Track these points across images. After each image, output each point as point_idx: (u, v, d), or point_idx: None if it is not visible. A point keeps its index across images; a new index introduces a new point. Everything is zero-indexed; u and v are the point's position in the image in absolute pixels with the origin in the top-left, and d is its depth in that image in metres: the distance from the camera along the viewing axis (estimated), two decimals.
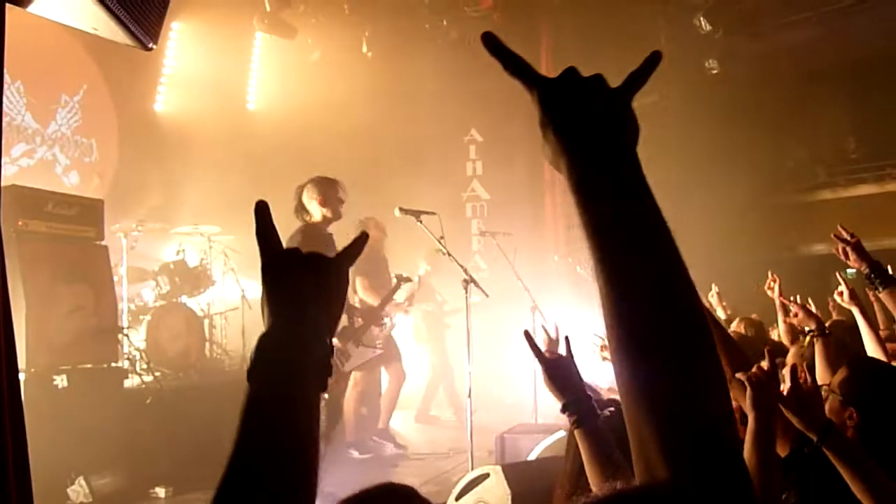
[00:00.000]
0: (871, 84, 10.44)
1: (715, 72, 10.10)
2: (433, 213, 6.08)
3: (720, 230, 8.91)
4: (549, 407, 6.09)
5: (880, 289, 3.63)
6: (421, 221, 5.96)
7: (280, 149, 9.27)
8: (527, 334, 2.50)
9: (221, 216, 8.36)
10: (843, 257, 3.66)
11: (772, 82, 10.05)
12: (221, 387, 6.85)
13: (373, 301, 6.44)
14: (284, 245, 1.12)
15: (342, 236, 5.53)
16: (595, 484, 2.07)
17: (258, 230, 1.11)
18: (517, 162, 10.04)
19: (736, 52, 9.93)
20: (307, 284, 1.09)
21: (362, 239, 1.18)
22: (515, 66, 0.99)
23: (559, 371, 2.32)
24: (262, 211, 1.12)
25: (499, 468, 4.81)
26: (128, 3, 2.10)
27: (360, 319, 6.08)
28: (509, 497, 4.55)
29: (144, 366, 6.70)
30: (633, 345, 0.87)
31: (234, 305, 8.28)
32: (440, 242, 5.86)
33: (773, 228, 10.27)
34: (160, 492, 5.82)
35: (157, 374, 6.58)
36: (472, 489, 4.89)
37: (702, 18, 9.46)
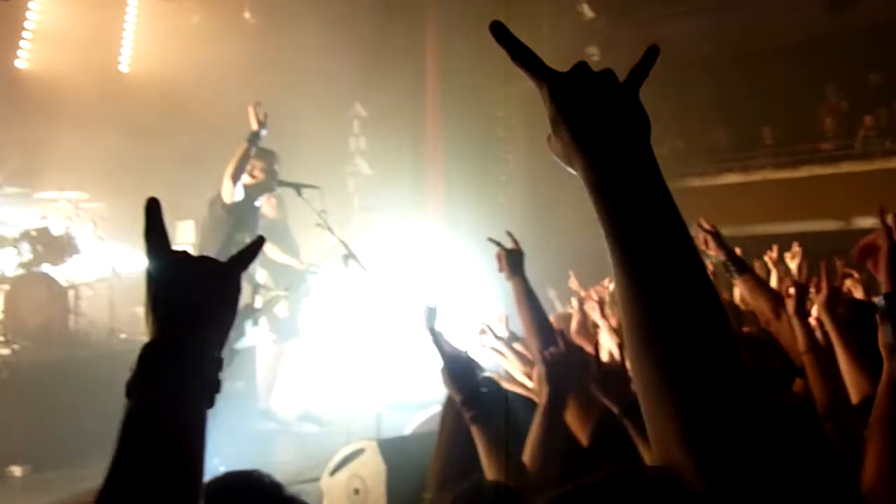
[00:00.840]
0: (742, 77, 10.96)
1: (596, 59, 10.33)
2: (315, 187, 5.98)
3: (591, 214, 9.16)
4: (426, 382, 6.15)
5: (736, 276, 3.89)
6: (301, 194, 5.86)
7: (154, 114, 8.88)
8: (432, 331, 2.57)
9: (90, 182, 8.00)
10: (703, 246, 3.86)
11: (652, 71, 10.37)
12: (87, 360, 6.59)
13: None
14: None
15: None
16: (492, 476, 2.11)
17: (147, 230, 1.03)
18: (402, 138, 10.04)
19: (617, 40, 10.18)
20: (198, 292, 1.02)
21: (258, 244, 1.12)
22: (524, 58, 0.96)
23: (458, 366, 2.34)
24: (152, 209, 1.04)
25: (374, 443, 4.81)
26: None
27: (261, 296, 5.95)
28: (384, 471, 4.57)
29: (2, 338, 6.36)
30: (660, 339, 0.88)
31: (103, 276, 7.93)
32: (321, 216, 5.78)
33: None
34: (16, 470, 5.55)
35: (16, 346, 6.26)
36: (347, 464, 4.88)
37: (585, 5, 9.65)
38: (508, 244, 3.11)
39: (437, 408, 4.69)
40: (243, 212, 5.75)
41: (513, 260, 3.09)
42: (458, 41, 9.63)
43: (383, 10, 9.70)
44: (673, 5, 10.18)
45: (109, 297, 7.78)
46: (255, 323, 5.81)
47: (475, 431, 2.17)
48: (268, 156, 5.89)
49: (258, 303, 5.84)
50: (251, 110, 5.65)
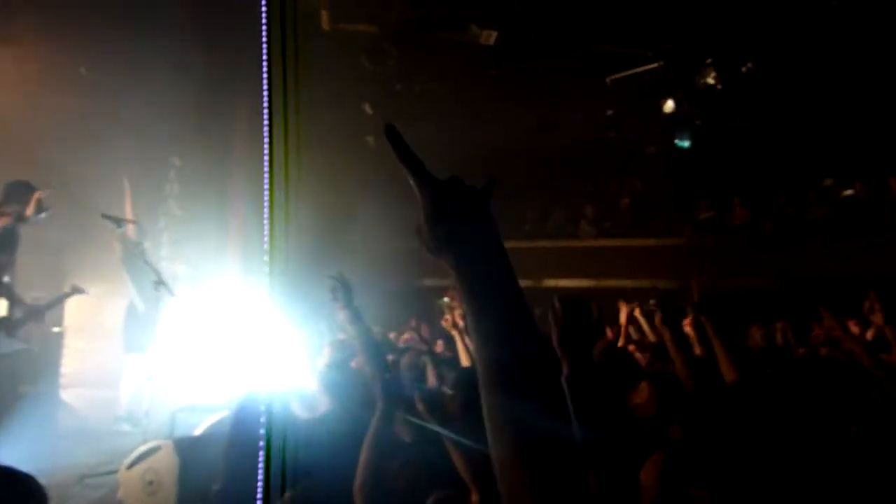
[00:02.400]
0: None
1: (371, 146, 10.48)
2: (133, 222, 5.56)
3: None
4: (217, 387, 5.84)
5: None
6: (120, 227, 5.41)
7: None
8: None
9: None
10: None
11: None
12: None
13: None
14: None
15: None
16: None
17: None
18: (211, 186, 9.61)
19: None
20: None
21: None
22: (411, 161, 0.98)
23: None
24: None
25: (170, 441, 4.49)
26: None
27: (17, 311, 5.27)
28: (177, 466, 4.27)
29: None
30: (502, 388, 0.90)
31: None
32: (137, 248, 5.37)
33: (397, 265, 10.75)
34: None
35: None
36: (144, 459, 4.50)
37: (367, 104, 9.76)
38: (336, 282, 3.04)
39: (226, 412, 4.48)
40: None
41: (346, 292, 3.04)
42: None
43: (205, 80, 9.27)
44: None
45: None
46: (9, 334, 5.20)
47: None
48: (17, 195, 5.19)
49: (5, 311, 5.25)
50: (35, 196, 5.09)
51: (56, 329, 7.32)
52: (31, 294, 5.76)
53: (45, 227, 7.35)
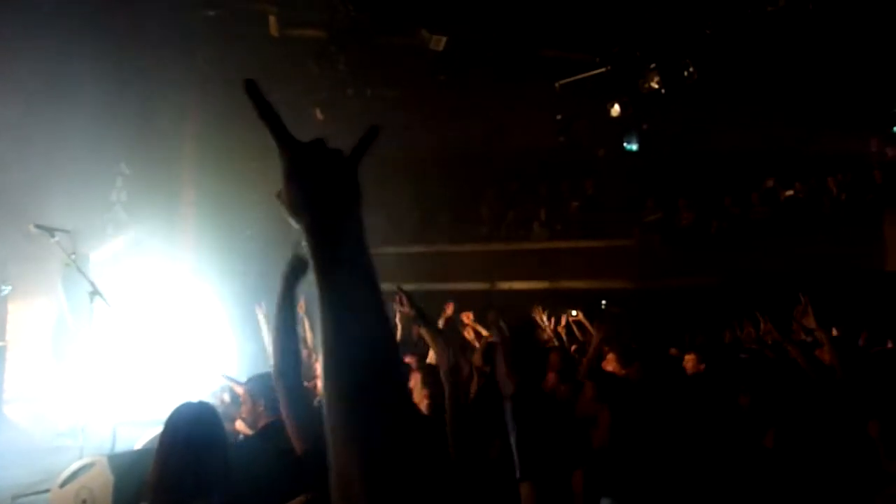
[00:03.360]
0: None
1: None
2: (66, 231, 5.33)
3: None
4: (157, 401, 5.64)
5: (421, 325, 3.99)
6: (53, 237, 5.18)
7: None
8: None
9: None
10: (397, 304, 3.89)
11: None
12: None
13: None
14: None
15: None
16: None
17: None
18: (159, 192, 9.39)
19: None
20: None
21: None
22: (272, 119, 0.89)
23: None
24: (254, 90, 0.89)
25: (104, 458, 4.31)
26: None
27: None
28: (111, 483, 4.09)
29: None
30: (342, 398, 0.80)
31: None
32: (70, 258, 5.14)
33: None
34: None
35: None
36: (77, 476, 4.31)
37: (317, 109, 9.63)
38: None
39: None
40: None
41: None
42: (216, 119, 9.26)
43: (155, 88, 9.04)
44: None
45: None
46: None
47: None
48: None
49: None
50: None
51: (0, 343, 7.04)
52: None
53: None
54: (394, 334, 0.89)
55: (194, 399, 2.50)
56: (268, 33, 8.25)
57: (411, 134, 9.90)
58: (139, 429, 5.18)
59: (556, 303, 7.33)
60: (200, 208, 10.20)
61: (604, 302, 10.28)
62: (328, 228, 0.87)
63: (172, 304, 7.24)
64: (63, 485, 4.30)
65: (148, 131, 9.27)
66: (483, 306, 7.97)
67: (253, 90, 0.90)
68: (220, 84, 9.16)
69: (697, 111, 9.98)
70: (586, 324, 5.99)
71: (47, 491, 4.51)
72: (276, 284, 2.21)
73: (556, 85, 9.39)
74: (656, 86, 8.45)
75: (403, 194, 11.58)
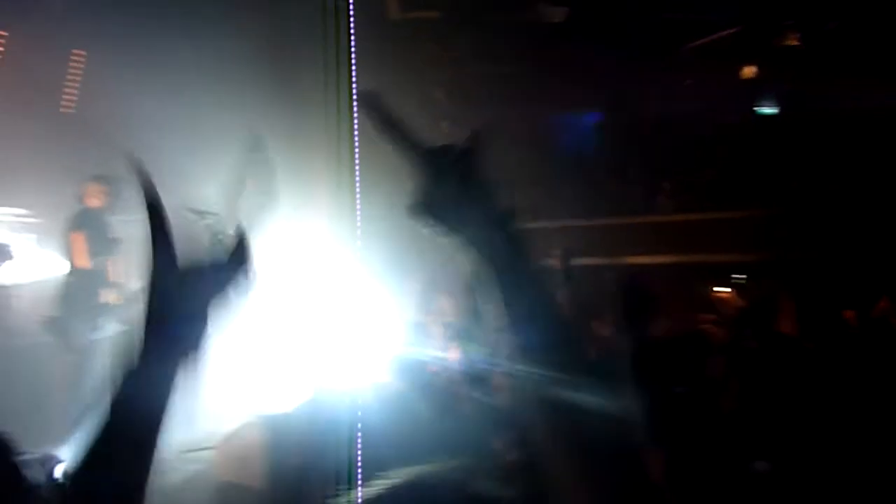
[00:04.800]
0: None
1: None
2: (217, 214, 5.75)
3: None
4: (305, 369, 5.98)
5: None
6: (206, 221, 5.61)
7: None
8: None
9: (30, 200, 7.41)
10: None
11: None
12: (18, 350, 6.03)
13: (82, 259, 5.41)
14: None
15: None
16: None
17: (155, 232, 0.94)
18: (293, 175, 9.91)
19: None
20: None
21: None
22: (393, 133, 0.89)
23: None
24: (155, 202, 0.93)
25: (259, 420, 4.63)
26: None
27: (118, 297, 5.60)
28: (265, 443, 4.39)
29: None
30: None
31: (37, 279, 7.31)
32: (218, 238, 5.54)
33: None
34: None
35: None
36: (234, 437, 4.66)
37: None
38: None
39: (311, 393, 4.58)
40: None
41: None
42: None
43: (286, 77, 9.47)
44: None
45: (40, 297, 7.19)
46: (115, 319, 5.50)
47: None
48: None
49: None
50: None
51: None
52: (130, 285, 6.08)
53: (140, 225, 7.78)
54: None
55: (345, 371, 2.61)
56: (387, 15, 8.41)
57: (531, 110, 9.80)
58: (288, 393, 5.54)
59: (687, 278, 7.04)
60: (331, 186, 10.63)
61: (739, 276, 9.75)
62: (488, 238, 0.86)
63: (314, 277, 7.62)
64: (224, 442, 4.68)
65: (278, 115, 9.76)
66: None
67: (369, 101, 0.89)
68: (346, 69, 9.44)
69: (839, 70, 9.14)
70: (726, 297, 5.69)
71: (211, 447, 4.93)
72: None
73: (683, 50, 8.92)
74: (795, 43, 7.82)
75: (523, 171, 11.49)
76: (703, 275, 7.77)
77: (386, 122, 0.88)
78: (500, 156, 0.93)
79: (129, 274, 6.27)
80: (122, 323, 5.40)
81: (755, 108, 10.02)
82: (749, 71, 8.86)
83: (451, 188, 0.86)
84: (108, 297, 5.35)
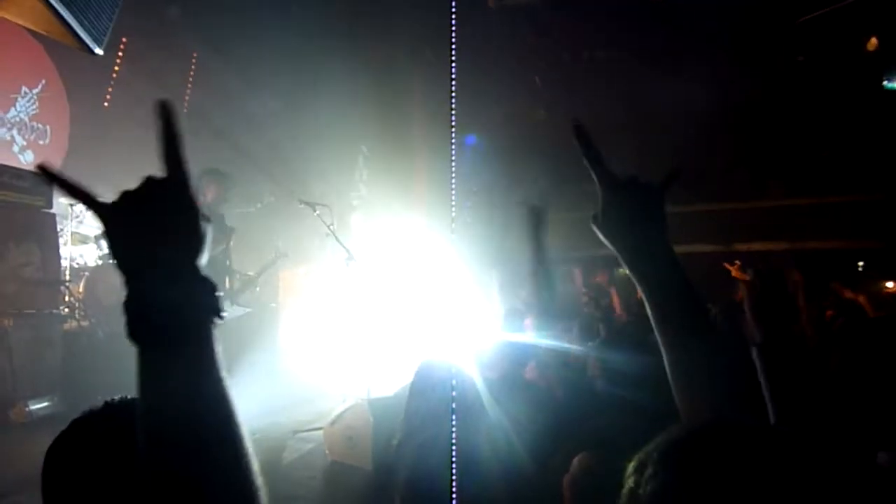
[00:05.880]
0: None
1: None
2: (326, 205, 5.99)
3: None
4: (406, 353, 6.15)
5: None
6: (315, 211, 5.85)
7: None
8: None
9: None
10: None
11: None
12: None
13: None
14: None
15: None
16: None
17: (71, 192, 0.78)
18: (395, 173, 10.14)
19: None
20: (144, 222, 0.75)
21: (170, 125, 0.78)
22: (593, 161, 1.06)
23: None
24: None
25: (365, 401, 4.82)
26: (77, 11, 1.95)
27: (235, 282, 5.91)
28: (371, 423, 4.58)
29: (82, 313, 6.27)
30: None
31: None
32: (329, 228, 5.78)
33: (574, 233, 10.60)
34: None
35: (93, 320, 6.17)
36: (342, 417, 4.88)
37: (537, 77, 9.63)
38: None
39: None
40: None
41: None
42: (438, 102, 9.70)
43: (388, 80, 9.70)
44: None
45: None
46: (233, 303, 5.79)
47: None
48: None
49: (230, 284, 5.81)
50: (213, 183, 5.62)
51: (273, 304, 8.18)
52: (250, 273, 6.47)
53: (258, 215, 8.21)
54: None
55: (445, 350, 2.69)
56: (486, 5, 8.40)
57: (630, 95, 9.52)
58: (389, 378, 5.72)
59: (798, 265, 6.64)
60: (431, 181, 10.82)
61: (860, 263, 9.05)
62: (639, 259, 1.02)
63: (412, 267, 7.79)
64: (333, 423, 4.91)
65: (382, 116, 10.03)
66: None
67: (580, 134, 1.04)
68: (444, 70, 9.58)
69: None
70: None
71: (320, 428, 5.19)
72: (515, 245, 2.33)
73: (798, 21, 8.34)
74: None
75: (627, 156, 11.18)
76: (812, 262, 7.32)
77: (589, 151, 1.05)
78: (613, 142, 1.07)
79: (243, 261, 6.68)
80: (242, 306, 5.77)
81: (882, 82, 9.24)
82: (872, 42, 8.18)
83: (632, 214, 1.03)
84: (230, 283, 5.72)
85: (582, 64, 9.18)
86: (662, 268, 1.00)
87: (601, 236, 1.05)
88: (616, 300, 5.04)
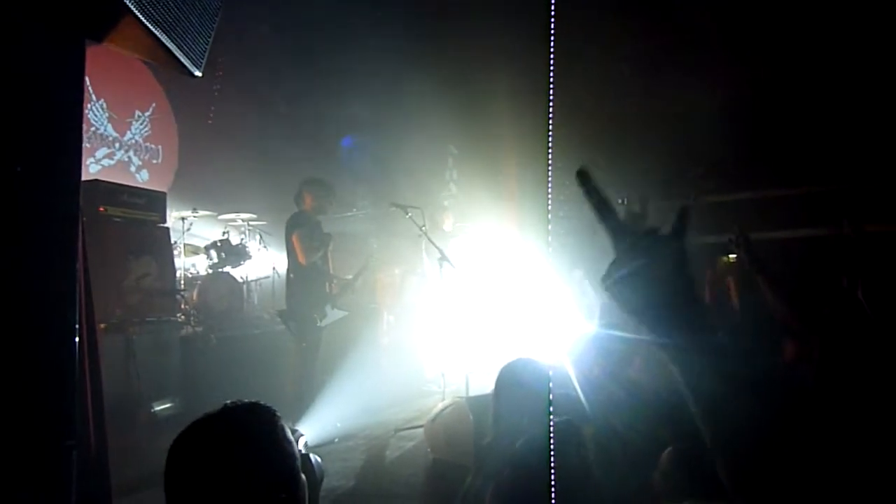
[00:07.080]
0: None
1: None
2: (417, 207, 6.06)
3: None
4: (500, 352, 6.14)
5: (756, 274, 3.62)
6: (407, 213, 5.93)
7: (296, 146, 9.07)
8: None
9: (257, 206, 8.37)
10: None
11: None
12: (255, 337, 6.80)
13: (302, 256, 5.72)
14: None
15: None
16: None
17: None
18: (484, 171, 10.13)
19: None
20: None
21: None
22: (599, 210, 0.91)
23: None
24: None
25: (463, 399, 4.85)
26: (176, 37, 2.06)
27: (335, 287, 6.04)
28: (470, 420, 4.59)
29: (196, 319, 6.65)
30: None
31: (266, 275, 8.23)
32: (422, 230, 5.85)
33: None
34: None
35: (206, 325, 6.52)
36: (442, 415, 4.92)
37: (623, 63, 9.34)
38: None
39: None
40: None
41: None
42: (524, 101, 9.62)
43: (475, 81, 9.70)
44: None
45: (271, 290, 8.07)
46: (333, 306, 5.90)
47: None
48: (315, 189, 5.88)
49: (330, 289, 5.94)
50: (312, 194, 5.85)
51: (372, 306, 8.38)
52: (348, 277, 6.65)
53: (354, 220, 8.44)
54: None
55: (533, 350, 2.66)
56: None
57: (691, 84, 9.11)
58: (487, 376, 5.72)
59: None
60: (520, 181, 10.75)
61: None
62: (645, 319, 0.86)
63: (504, 267, 7.77)
64: (433, 421, 4.96)
65: (469, 117, 10.05)
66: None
67: (583, 179, 0.90)
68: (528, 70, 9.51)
69: None
70: None
71: (421, 426, 5.26)
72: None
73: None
74: None
75: (680, 147, 10.70)
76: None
77: (592, 198, 0.90)
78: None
79: (342, 266, 6.87)
80: (341, 310, 5.94)
81: None
82: None
83: (640, 269, 0.86)
84: (330, 287, 5.89)
85: (668, 50, 8.82)
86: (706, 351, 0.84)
87: (613, 298, 0.87)
88: (733, 290, 4.78)
